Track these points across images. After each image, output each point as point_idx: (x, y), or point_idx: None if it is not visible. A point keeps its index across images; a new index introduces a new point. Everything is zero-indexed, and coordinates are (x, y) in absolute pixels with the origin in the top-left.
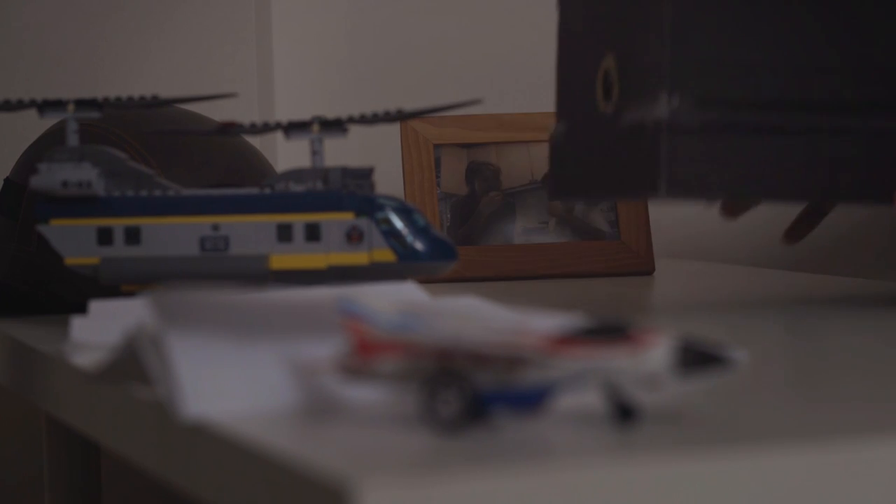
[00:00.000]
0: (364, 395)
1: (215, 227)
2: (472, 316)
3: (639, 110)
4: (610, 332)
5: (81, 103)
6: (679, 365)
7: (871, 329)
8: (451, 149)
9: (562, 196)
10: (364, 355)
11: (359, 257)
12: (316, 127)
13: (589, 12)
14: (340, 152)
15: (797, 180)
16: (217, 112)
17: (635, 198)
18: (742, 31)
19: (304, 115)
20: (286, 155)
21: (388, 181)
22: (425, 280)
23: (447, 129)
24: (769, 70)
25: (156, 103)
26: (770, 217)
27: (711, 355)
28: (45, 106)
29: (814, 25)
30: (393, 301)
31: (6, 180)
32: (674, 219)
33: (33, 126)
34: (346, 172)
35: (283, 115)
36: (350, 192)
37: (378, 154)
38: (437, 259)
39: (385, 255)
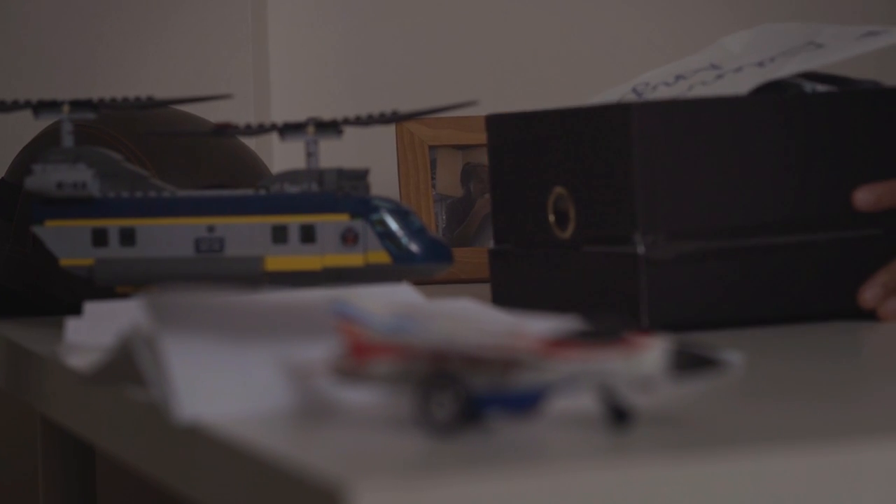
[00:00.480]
0: (358, 397)
1: (210, 229)
2: (467, 318)
3: (609, 243)
4: (604, 335)
5: (76, 104)
6: (673, 368)
7: (866, 332)
8: (447, 150)
9: (507, 306)
10: (358, 357)
11: (354, 259)
12: (311, 128)
13: (530, 139)
14: (336, 153)
15: (774, 299)
16: (213, 113)
17: (618, 325)
18: (706, 162)
19: (299, 116)
20: (282, 156)
21: (384, 182)
22: (420, 282)
23: (443, 131)
24: (736, 196)
25: (151, 104)
26: None
27: (705, 358)
28: (39, 107)
29: (775, 149)
30: (387, 303)
31: (1, 181)
32: None
33: (28, 127)
34: (341, 174)
35: (279, 116)
36: (345, 193)
37: (374, 155)
38: (432, 261)
39: (380, 256)
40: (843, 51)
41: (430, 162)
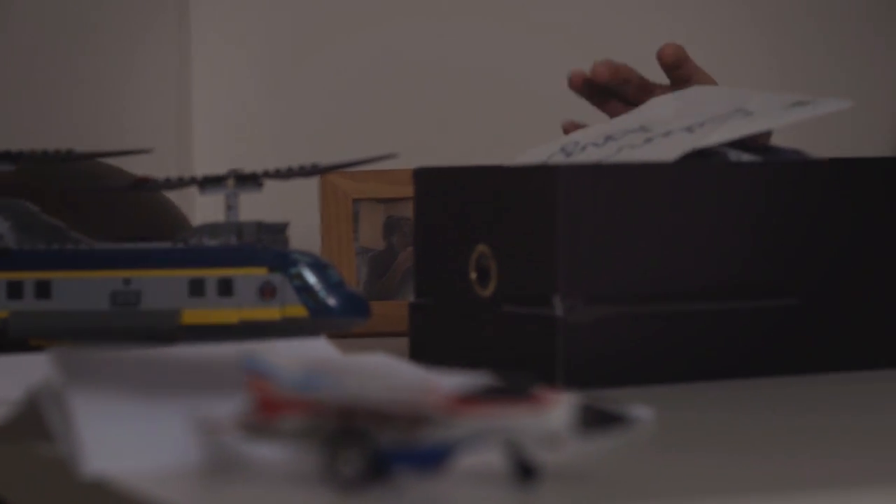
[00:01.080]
0: (267, 453)
1: (127, 282)
2: (379, 374)
3: (528, 304)
4: (512, 391)
5: None
6: (580, 424)
7: (778, 389)
8: (370, 203)
9: (425, 361)
10: (266, 413)
11: (271, 312)
12: (231, 182)
13: (456, 195)
14: (259, 205)
15: (692, 365)
16: (136, 164)
17: (526, 381)
18: (629, 227)
19: (223, 167)
20: (205, 208)
21: (307, 234)
22: (341, 335)
23: (366, 184)
24: (657, 262)
25: (71, 157)
26: None
27: (613, 414)
28: None
29: (698, 217)
30: (299, 358)
31: None
32: None
33: None
34: (260, 227)
35: (203, 167)
36: (264, 246)
37: (297, 207)
38: (349, 315)
39: (297, 310)
40: (771, 120)
41: (353, 214)
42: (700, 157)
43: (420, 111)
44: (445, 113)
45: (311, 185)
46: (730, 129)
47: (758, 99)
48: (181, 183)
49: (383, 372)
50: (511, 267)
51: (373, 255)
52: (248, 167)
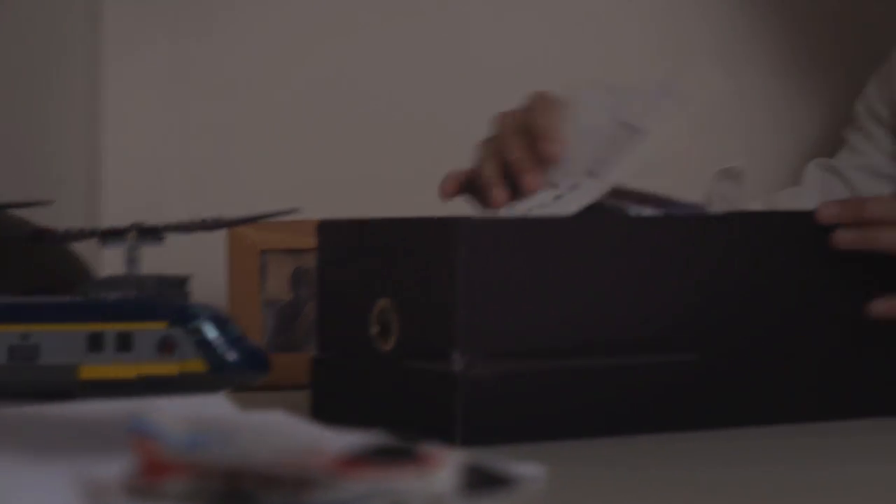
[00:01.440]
0: None
1: (24, 336)
2: (271, 433)
3: (428, 359)
4: (400, 452)
5: None
6: (466, 486)
7: (676, 444)
8: (277, 255)
9: (327, 416)
10: (152, 476)
11: (169, 368)
12: (133, 235)
13: (359, 248)
14: (163, 257)
15: (590, 420)
16: (44, 214)
17: (415, 441)
18: (531, 282)
19: (130, 219)
20: (113, 259)
21: (213, 285)
22: (244, 388)
23: (274, 235)
24: (559, 318)
25: None
26: None
27: (500, 475)
28: None
29: (599, 272)
30: (191, 417)
31: None
32: None
33: None
34: (161, 281)
35: (110, 219)
36: (164, 300)
37: (205, 258)
38: (248, 370)
39: (196, 365)
40: (657, 126)
41: (261, 265)
42: (601, 211)
43: (338, 159)
44: (362, 161)
45: (219, 234)
46: (631, 160)
47: (634, 103)
48: (82, 235)
49: (276, 431)
50: (412, 321)
51: (280, 307)
52: (160, 217)
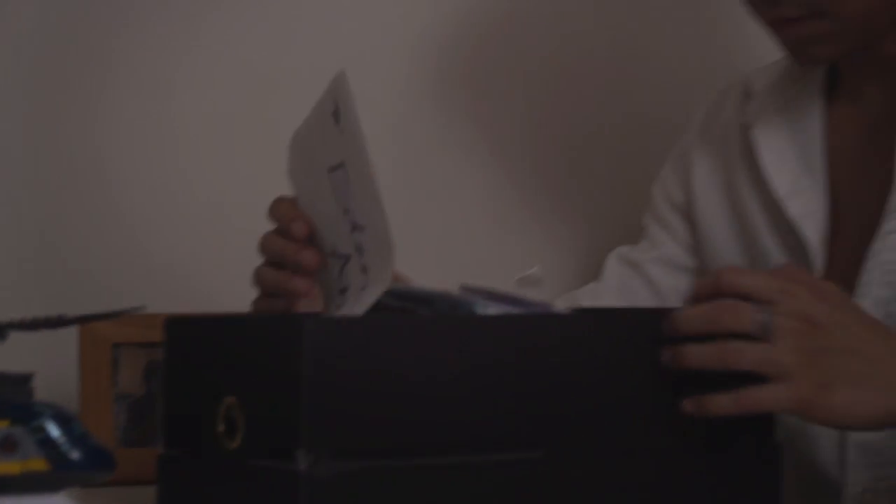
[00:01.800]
0: None
1: None
2: None
3: (273, 458)
4: None
5: None
6: None
7: None
8: (131, 348)
9: None
10: None
11: (11, 467)
12: None
13: (206, 344)
14: (14, 351)
15: None
16: None
17: None
18: (376, 381)
19: None
20: None
21: (65, 380)
22: (91, 485)
23: (127, 329)
24: (404, 416)
25: None
26: None
27: None
28: None
29: (444, 371)
30: None
31: None
32: None
33: None
34: (3, 378)
35: None
36: (5, 399)
37: (57, 352)
38: (92, 468)
39: (38, 464)
40: (360, 167)
41: (114, 359)
42: (448, 308)
43: (186, 251)
44: (211, 254)
45: (71, 329)
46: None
47: (339, 180)
48: None
49: None
50: (258, 420)
51: (132, 401)
52: (11, 312)
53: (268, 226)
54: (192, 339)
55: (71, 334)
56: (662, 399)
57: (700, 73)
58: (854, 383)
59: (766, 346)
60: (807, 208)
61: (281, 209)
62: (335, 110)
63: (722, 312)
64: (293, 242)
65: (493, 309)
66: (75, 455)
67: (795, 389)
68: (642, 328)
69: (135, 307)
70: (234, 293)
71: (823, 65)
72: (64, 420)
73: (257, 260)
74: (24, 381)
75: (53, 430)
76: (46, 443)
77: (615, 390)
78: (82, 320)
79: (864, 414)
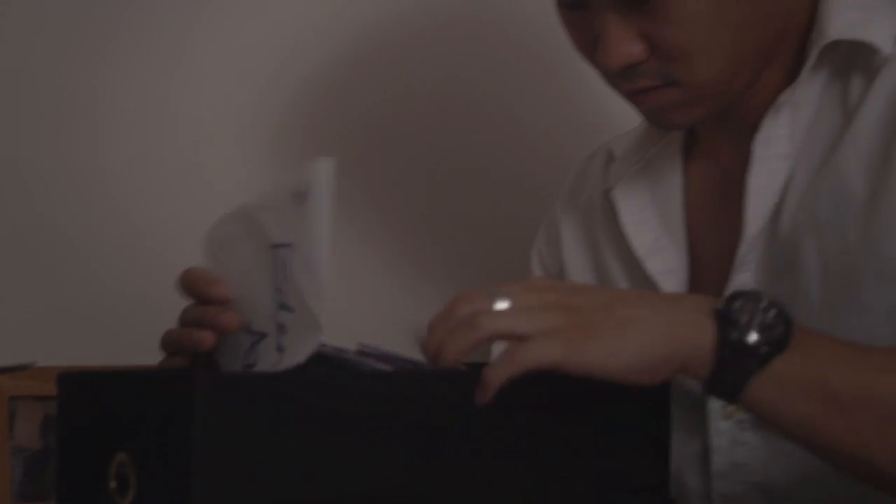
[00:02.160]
0: None
1: None
2: None
3: None
4: None
5: None
6: None
7: None
8: (28, 401)
9: None
10: None
11: None
12: None
13: (98, 400)
14: None
15: None
16: None
17: None
18: (269, 437)
19: None
20: None
21: None
22: None
23: (24, 381)
24: (299, 473)
25: None
26: None
27: None
28: None
29: (335, 426)
30: None
31: None
32: None
33: None
34: None
35: None
36: None
37: None
38: None
39: None
40: (306, 234)
41: (10, 412)
42: (338, 367)
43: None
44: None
45: None
46: (307, 282)
47: (272, 219)
48: None
49: None
50: (149, 476)
51: (29, 455)
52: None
53: None
54: (85, 393)
55: None
56: (561, 454)
57: None
58: (614, 331)
59: (531, 311)
60: (667, 265)
61: (197, 273)
62: (300, 192)
63: (455, 304)
64: (212, 306)
65: (381, 366)
66: None
67: (560, 338)
68: (539, 385)
69: (28, 363)
70: None
71: (682, 129)
72: None
73: None
74: None
75: None
76: None
77: (520, 446)
78: None
79: (626, 357)
